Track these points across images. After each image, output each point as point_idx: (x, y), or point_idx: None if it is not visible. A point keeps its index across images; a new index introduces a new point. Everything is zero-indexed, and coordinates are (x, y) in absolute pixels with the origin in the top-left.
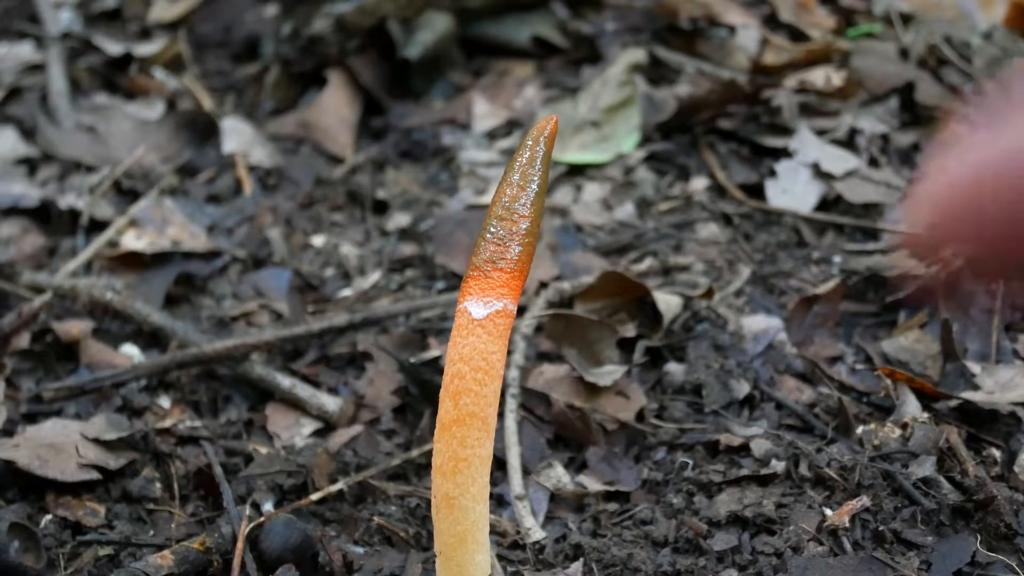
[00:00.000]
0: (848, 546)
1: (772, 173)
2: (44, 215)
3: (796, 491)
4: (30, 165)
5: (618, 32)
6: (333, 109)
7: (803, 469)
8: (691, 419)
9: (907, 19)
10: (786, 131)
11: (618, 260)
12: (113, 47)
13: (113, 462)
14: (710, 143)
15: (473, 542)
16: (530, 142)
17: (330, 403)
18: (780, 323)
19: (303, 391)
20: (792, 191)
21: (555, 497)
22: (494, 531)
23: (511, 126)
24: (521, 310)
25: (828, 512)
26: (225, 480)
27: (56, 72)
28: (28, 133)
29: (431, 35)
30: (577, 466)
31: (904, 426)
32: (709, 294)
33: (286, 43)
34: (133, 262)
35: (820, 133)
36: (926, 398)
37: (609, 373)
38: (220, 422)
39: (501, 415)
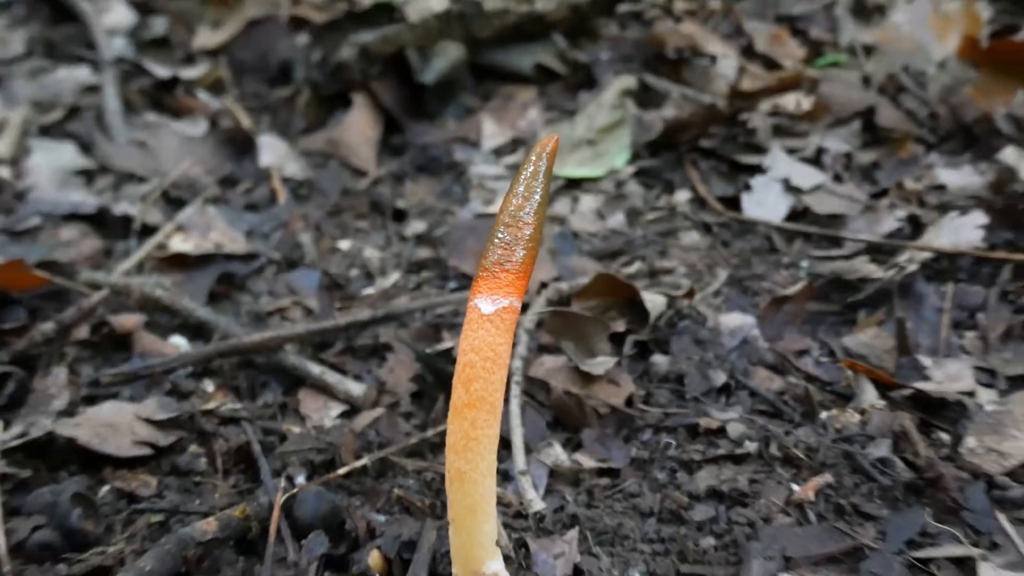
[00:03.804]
0: (813, 517)
1: (747, 187)
2: (100, 221)
3: (767, 469)
4: (88, 176)
5: (611, 60)
6: (357, 128)
7: (773, 449)
8: (674, 404)
9: (869, 50)
10: (760, 150)
11: (610, 263)
12: (161, 71)
13: (163, 440)
14: (693, 160)
15: (482, 512)
16: (533, 158)
17: (355, 388)
18: (753, 320)
19: (331, 378)
20: (765, 203)
21: (554, 473)
22: (500, 502)
23: (516, 144)
24: (525, 307)
25: (795, 488)
26: (263, 456)
27: (110, 93)
28: (86, 147)
29: (445, 62)
30: (573, 445)
31: (863, 412)
32: (691, 294)
33: (316, 69)
34: (180, 263)
35: (790, 152)
36: (883, 387)
37: (602, 363)
38: (258, 405)
39: (506, 400)
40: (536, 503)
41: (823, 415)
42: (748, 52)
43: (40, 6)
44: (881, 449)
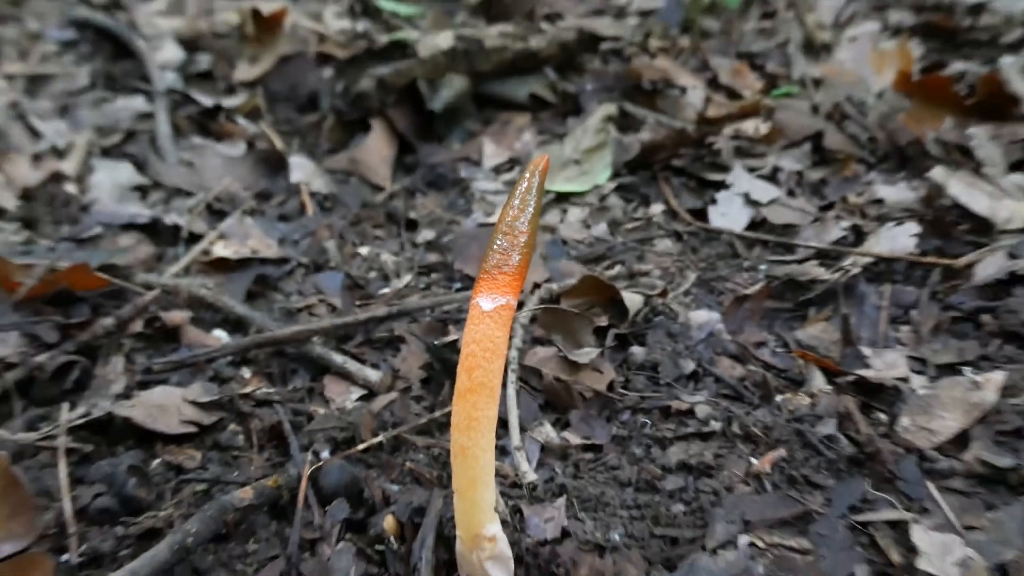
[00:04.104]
0: (769, 487)
1: (713, 201)
2: (153, 230)
3: (729, 445)
4: (142, 191)
5: (595, 91)
6: (375, 149)
7: (735, 428)
8: (649, 389)
9: (817, 83)
10: (724, 168)
11: (594, 267)
12: (206, 100)
13: (206, 419)
14: (666, 177)
15: (482, 483)
16: (527, 175)
17: (373, 375)
18: (719, 316)
19: (352, 366)
20: (728, 214)
21: (545, 448)
22: (498, 474)
23: (512, 163)
24: (520, 305)
25: (754, 461)
26: (292, 434)
27: (162, 119)
28: (141, 166)
29: (451, 92)
30: (562, 425)
31: (812, 395)
32: (664, 294)
33: (339, 98)
34: (222, 266)
35: (750, 170)
36: (829, 374)
37: (587, 353)
38: (288, 389)
39: (504, 385)
40: (529, 475)
41: (778, 398)
42: (713, 84)
43: (102, 45)
44: (828, 427)
